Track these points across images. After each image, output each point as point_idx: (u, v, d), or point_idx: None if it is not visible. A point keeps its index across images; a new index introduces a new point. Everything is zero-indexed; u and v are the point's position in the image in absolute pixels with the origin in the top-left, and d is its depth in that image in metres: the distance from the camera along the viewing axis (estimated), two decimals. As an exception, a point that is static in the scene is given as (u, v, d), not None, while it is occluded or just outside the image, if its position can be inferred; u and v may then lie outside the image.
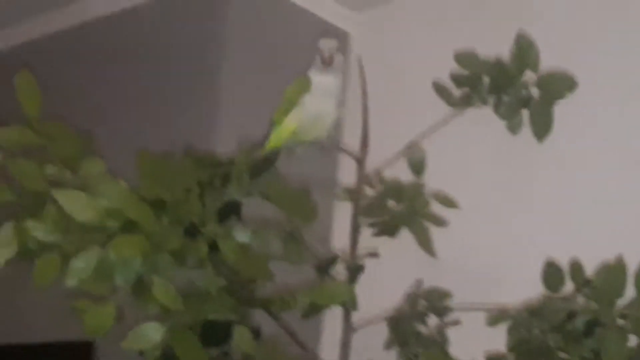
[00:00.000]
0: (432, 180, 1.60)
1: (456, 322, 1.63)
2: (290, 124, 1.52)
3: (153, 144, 1.58)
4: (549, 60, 1.53)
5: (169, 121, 2.11)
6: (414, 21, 2.18)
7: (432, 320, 1.65)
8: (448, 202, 1.59)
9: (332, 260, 1.51)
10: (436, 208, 1.58)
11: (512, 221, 1.94)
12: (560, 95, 1.49)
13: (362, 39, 2.24)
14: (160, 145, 1.59)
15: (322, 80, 1.50)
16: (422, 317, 1.63)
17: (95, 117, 2.29)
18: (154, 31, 2.24)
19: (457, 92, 1.57)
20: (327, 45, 1.50)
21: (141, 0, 2.26)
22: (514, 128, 1.54)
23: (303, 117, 1.51)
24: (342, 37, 2.21)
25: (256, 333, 1.47)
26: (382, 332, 1.62)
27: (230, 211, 1.41)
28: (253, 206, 1.47)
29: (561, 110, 1.53)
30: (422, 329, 1.64)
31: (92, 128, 2.11)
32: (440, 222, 1.57)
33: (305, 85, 1.50)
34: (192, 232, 1.36)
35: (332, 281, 1.47)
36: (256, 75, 1.56)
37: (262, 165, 1.46)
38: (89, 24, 2.37)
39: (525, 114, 1.53)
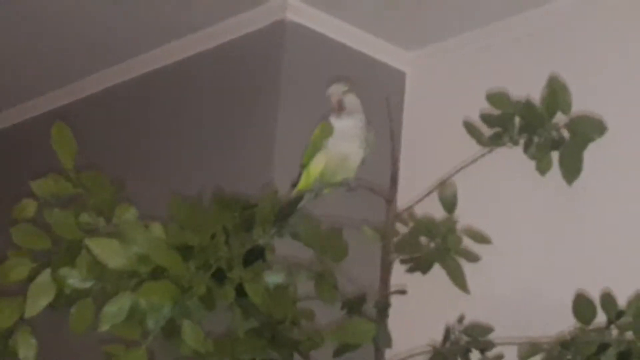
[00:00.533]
0: (463, 217, 1.60)
1: (500, 357, 1.62)
2: (317, 166, 1.56)
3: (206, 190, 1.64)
4: (580, 104, 1.52)
5: (223, 168, 2.15)
6: (461, 60, 2.19)
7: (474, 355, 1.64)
8: (480, 238, 1.58)
9: (361, 298, 1.53)
10: (468, 243, 1.58)
11: (543, 257, 1.94)
12: (590, 138, 1.49)
13: (416, 77, 2.26)
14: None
15: (343, 124, 1.54)
16: (465, 353, 1.62)
17: (150, 166, 2.35)
18: (208, 80, 2.28)
19: (488, 131, 1.57)
20: (334, 91, 1.55)
21: (195, 50, 2.31)
22: (543, 169, 1.53)
23: (329, 160, 1.55)
24: (399, 77, 2.24)
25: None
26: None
27: (255, 256, 1.44)
28: (284, 247, 1.49)
29: (593, 150, 1.52)
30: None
31: (146, 177, 2.28)
32: (472, 257, 1.57)
33: (328, 129, 1.55)
34: (219, 276, 1.39)
35: (360, 319, 1.49)
36: (311, 120, 1.59)
37: (288, 207, 1.49)
38: (144, 76, 2.44)
39: (555, 155, 1.53)
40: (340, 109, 1.55)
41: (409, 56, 2.28)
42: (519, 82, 1.71)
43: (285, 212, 1.49)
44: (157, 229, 1.41)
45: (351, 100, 1.56)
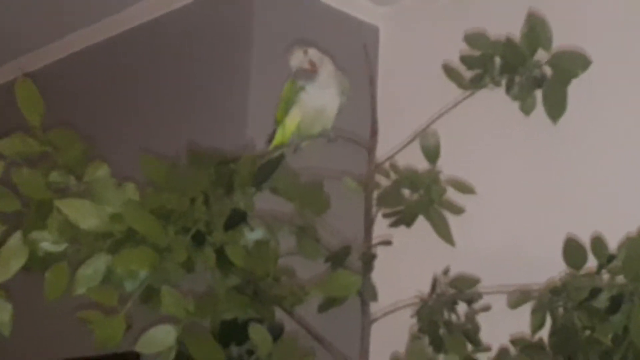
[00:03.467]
0: (446, 167, 1.58)
1: (487, 308, 1.61)
2: (292, 121, 1.56)
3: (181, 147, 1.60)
4: (561, 39, 1.51)
5: (197, 126, 2.14)
6: (435, 12, 2.17)
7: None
8: (465, 188, 1.57)
9: (345, 251, 1.51)
10: (452, 194, 1.56)
11: (530, 203, 1.92)
12: (573, 73, 1.47)
13: (389, 32, 2.24)
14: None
15: (317, 80, 1.54)
16: (451, 305, 1.61)
17: (123, 127, 2.34)
18: (180, 38, 2.27)
19: (468, 74, 1.55)
20: (298, 57, 1.54)
21: (166, 9, 2.29)
22: (527, 109, 1.52)
23: (305, 113, 1.55)
24: (372, 32, 2.23)
25: (278, 330, 1.47)
26: (404, 322, 1.61)
27: (236, 220, 1.42)
28: (264, 201, 1.47)
29: (575, 89, 1.50)
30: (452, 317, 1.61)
31: (120, 138, 2.24)
32: (457, 209, 1.56)
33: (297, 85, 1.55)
34: (198, 239, 1.37)
35: (345, 272, 1.46)
36: (284, 75, 1.58)
37: (268, 167, 1.47)
38: (116, 37, 2.42)
39: (538, 94, 1.51)
40: (313, 68, 1.54)
41: (381, 10, 2.26)
42: (498, 28, 1.66)
43: (265, 173, 1.47)
44: (130, 189, 1.38)
45: (315, 54, 1.56)
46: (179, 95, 2.22)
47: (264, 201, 1.47)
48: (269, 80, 1.95)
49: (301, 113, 1.55)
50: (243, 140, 1.94)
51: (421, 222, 1.54)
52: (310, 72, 1.54)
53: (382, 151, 1.57)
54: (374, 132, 1.55)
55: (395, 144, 1.59)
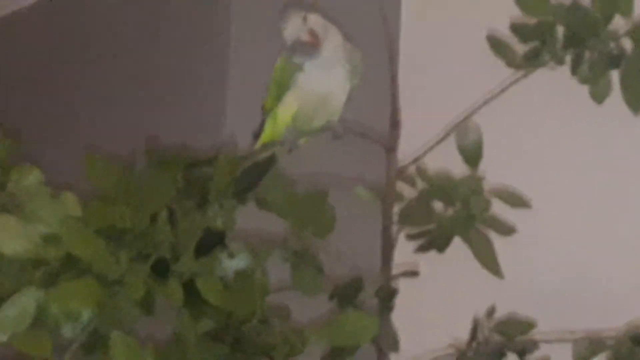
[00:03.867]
0: (490, 172, 1.58)
1: (545, 360, 1.65)
2: (287, 110, 1.56)
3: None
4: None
5: (164, 120, 2.15)
6: None
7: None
8: (516, 201, 1.57)
9: (356, 284, 1.51)
10: (499, 209, 1.56)
11: (602, 221, 1.92)
12: (663, 49, 1.48)
13: None
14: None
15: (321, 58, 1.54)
16: (498, 357, 1.60)
17: (68, 124, 2.35)
18: (141, 13, 2.28)
19: (521, 48, 1.55)
20: (295, 24, 1.52)
21: None
22: (600, 94, 1.52)
23: (303, 100, 1.55)
24: None
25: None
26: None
27: (211, 243, 1.42)
28: (248, 217, 1.47)
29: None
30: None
31: (63, 139, 2.24)
32: (506, 229, 1.56)
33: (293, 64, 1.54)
34: (161, 269, 1.37)
35: (356, 313, 1.47)
36: (275, 48, 1.58)
37: (255, 172, 1.47)
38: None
39: (615, 75, 1.51)
40: (315, 40, 1.53)
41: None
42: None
43: (250, 180, 1.48)
44: (70, 201, 1.38)
45: (317, 21, 1.55)
46: (136, 77, 2.23)
47: (249, 218, 1.47)
48: (255, 56, 1.95)
49: (298, 100, 1.55)
50: (220, 135, 1.94)
51: (457, 245, 1.54)
52: (310, 46, 1.53)
53: (406, 151, 1.57)
54: (395, 125, 1.54)
55: (423, 141, 1.59)
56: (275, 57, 1.59)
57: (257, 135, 1.61)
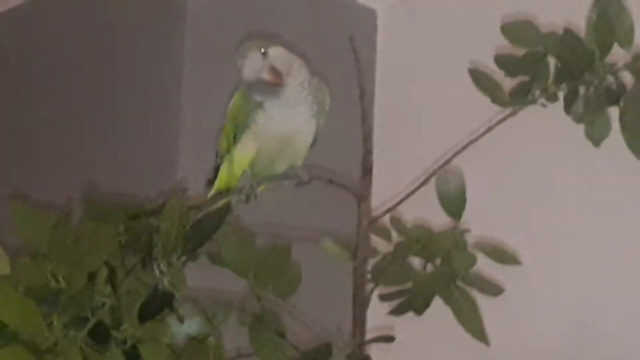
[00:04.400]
0: (475, 223, 1.58)
1: None
2: (244, 153, 1.55)
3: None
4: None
5: (99, 158, 2.15)
6: None
7: None
8: (505, 256, 1.56)
9: (325, 350, 1.48)
10: (485, 266, 1.56)
11: (601, 275, 1.94)
12: (666, 82, 1.49)
13: (390, 16, 2.27)
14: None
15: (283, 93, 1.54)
16: None
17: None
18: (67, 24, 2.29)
19: (508, 82, 1.56)
20: (254, 59, 1.52)
21: None
22: (596, 136, 1.52)
23: (263, 141, 1.55)
24: (369, 16, 2.27)
25: None
26: None
27: (158, 306, 1.41)
28: (200, 274, 1.46)
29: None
30: None
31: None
32: (493, 288, 1.55)
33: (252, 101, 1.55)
34: (99, 335, 1.37)
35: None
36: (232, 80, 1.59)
37: (208, 224, 1.45)
38: None
39: (614, 114, 1.51)
40: (277, 79, 1.53)
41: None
42: (549, 13, 1.69)
43: (202, 233, 1.46)
44: None
45: (279, 55, 1.55)
46: (73, 112, 2.23)
47: (201, 275, 1.46)
48: (210, 91, 1.96)
49: (257, 142, 1.55)
50: (170, 181, 1.94)
51: (438, 307, 1.53)
52: (272, 85, 1.53)
53: (379, 199, 1.59)
54: (367, 170, 1.54)
55: (398, 188, 1.59)
56: (232, 92, 1.59)
57: (211, 182, 1.61)
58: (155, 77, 2.12)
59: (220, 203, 1.52)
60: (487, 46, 1.58)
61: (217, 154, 1.61)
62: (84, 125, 2.21)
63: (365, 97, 1.54)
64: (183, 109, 2.04)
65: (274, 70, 1.53)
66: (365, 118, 1.54)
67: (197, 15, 2.10)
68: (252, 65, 1.52)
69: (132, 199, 1.53)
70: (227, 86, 1.62)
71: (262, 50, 1.53)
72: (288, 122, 1.55)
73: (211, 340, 1.45)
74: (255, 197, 1.57)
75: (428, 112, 2.11)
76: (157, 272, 1.43)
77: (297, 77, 1.55)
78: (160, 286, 1.42)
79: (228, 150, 1.58)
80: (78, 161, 2.17)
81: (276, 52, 1.54)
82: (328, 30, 2.10)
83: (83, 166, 2.14)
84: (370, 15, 2.29)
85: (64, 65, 2.28)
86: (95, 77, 2.22)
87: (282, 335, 1.50)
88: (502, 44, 1.55)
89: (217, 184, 1.60)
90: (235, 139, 1.57)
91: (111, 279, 1.40)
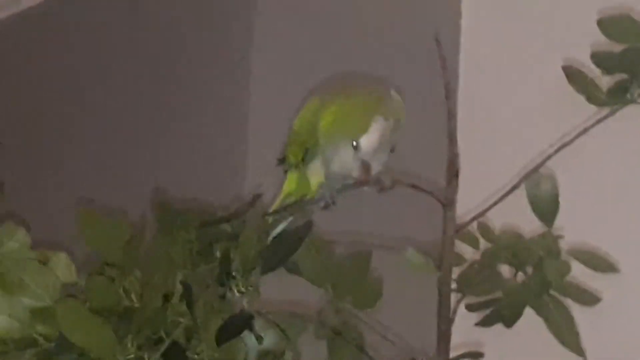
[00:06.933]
0: (569, 230, 1.56)
1: None
2: (315, 175, 1.53)
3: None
4: None
5: (167, 165, 2.18)
6: None
7: None
8: (601, 264, 1.55)
9: (407, 367, 1.50)
10: (581, 274, 1.54)
11: None
12: None
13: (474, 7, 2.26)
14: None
15: None
16: None
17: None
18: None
19: (605, 81, 1.54)
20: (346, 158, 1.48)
21: None
22: None
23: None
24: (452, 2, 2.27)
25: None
26: None
27: (237, 327, 1.40)
28: (274, 286, 1.46)
29: None
30: None
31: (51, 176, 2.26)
32: (590, 298, 1.54)
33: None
34: (175, 357, 1.37)
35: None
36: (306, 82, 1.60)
37: (289, 241, 1.45)
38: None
39: None
40: (366, 176, 1.48)
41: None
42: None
43: (282, 250, 1.45)
44: (62, 262, 1.40)
45: (371, 144, 1.48)
46: (139, 118, 2.25)
47: (276, 285, 1.46)
48: (281, 88, 1.97)
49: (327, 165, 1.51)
50: (238, 186, 1.95)
51: (529, 318, 1.52)
52: (358, 183, 1.50)
53: (466, 205, 1.56)
54: (453, 174, 1.52)
55: (487, 193, 1.58)
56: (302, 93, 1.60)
57: (281, 160, 1.58)
58: (223, 77, 2.13)
59: (300, 218, 1.50)
60: (583, 43, 1.56)
61: (285, 162, 1.58)
62: (148, 128, 2.24)
63: (451, 97, 1.52)
64: (251, 110, 2.05)
65: (364, 165, 1.49)
66: (451, 119, 1.52)
67: (267, 13, 2.12)
68: (342, 162, 1.49)
69: (203, 205, 1.52)
70: (298, 87, 1.62)
71: (354, 144, 1.48)
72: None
73: (287, 354, 1.45)
74: (334, 203, 1.54)
75: (518, 114, 2.10)
76: (236, 292, 1.43)
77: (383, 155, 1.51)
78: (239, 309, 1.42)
79: (302, 160, 1.54)
80: (142, 165, 2.21)
81: (368, 143, 1.48)
82: (409, 20, 2.09)
83: (147, 170, 2.17)
84: (454, 4, 2.28)
85: (130, 68, 2.32)
86: (160, 79, 2.25)
87: (362, 350, 1.49)
88: (598, 39, 1.52)
89: (287, 187, 1.57)
90: (305, 153, 1.54)
91: (187, 296, 1.40)
